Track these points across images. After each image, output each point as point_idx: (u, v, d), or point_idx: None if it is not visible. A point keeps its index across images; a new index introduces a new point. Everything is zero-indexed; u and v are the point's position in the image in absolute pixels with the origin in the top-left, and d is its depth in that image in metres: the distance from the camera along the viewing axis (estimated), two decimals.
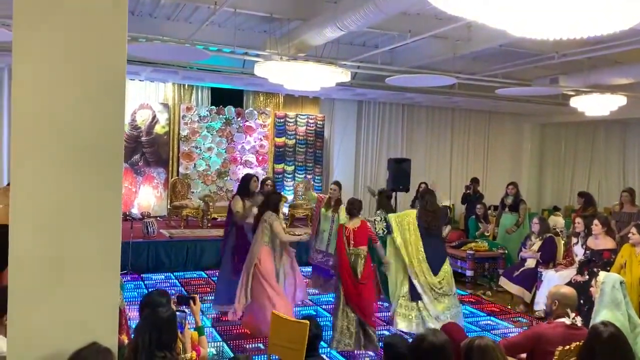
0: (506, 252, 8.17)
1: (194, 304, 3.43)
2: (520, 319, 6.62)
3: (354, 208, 5.47)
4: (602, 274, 4.14)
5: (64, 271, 2.20)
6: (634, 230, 5.62)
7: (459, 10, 2.62)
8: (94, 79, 2.21)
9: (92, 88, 2.21)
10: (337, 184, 7.26)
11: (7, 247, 2.14)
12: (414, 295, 5.73)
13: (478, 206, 9.66)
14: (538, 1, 2.44)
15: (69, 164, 2.19)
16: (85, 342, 2.14)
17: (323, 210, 6.97)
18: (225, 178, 11.34)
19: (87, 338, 2.18)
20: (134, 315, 4.89)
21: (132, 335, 3.03)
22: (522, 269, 7.09)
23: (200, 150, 11.17)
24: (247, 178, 6.39)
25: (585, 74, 8.60)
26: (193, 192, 10.79)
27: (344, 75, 6.94)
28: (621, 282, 3.99)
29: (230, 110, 11.36)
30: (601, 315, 3.81)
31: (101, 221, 2.24)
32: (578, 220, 6.77)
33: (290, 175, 11.98)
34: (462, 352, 2.68)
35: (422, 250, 5.79)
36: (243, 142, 11.47)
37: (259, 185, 6.80)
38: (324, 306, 6.73)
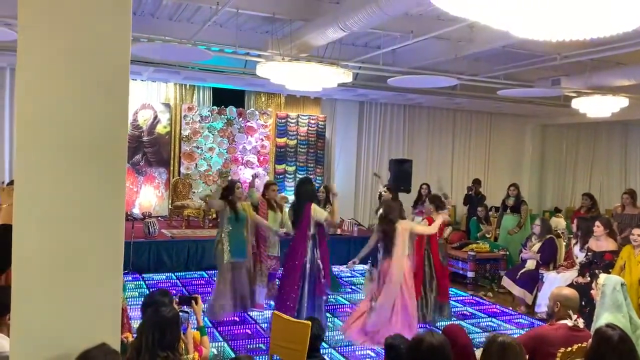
0: (507, 253, 8.17)
1: (196, 304, 3.44)
2: (521, 320, 6.61)
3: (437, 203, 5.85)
4: (603, 276, 4.14)
5: (67, 271, 2.20)
6: (638, 231, 5.62)
7: (461, 11, 2.62)
8: (97, 79, 2.22)
9: (96, 88, 2.22)
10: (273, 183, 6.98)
11: (10, 246, 2.14)
12: None
13: (479, 208, 9.66)
14: (541, 2, 2.44)
15: (73, 164, 2.20)
16: (88, 341, 2.14)
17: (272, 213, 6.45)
18: (227, 178, 11.31)
19: (90, 337, 2.18)
20: (135, 314, 4.89)
21: (135, 335, 3.04)
22: (522, 270, 7.09)
23: (202, 150, 11.18)
24: (231, 185, 6.17)
25: (587, 76, 8.59)
26: (194, 192, 10.79)
27: (346, 76, 6.94)
28: (622, 284, 3.99)
29: (231, 111, 11.37)
30: (603, 317, 3.81)
31: (104, 221, 2.24)
32: (574, 220, 6.81)
33: (291, 176, 11.98)
34: (485, 345, 2.71)
35: None
36: (244, 143, 11.48)
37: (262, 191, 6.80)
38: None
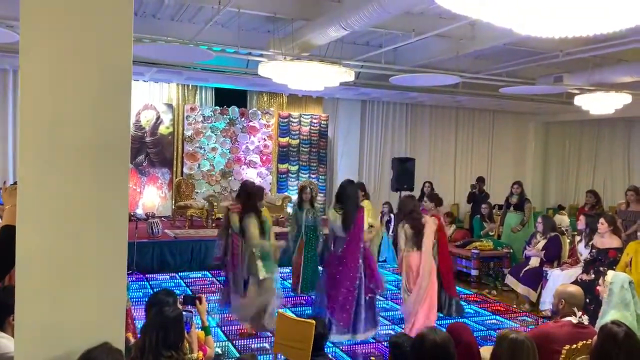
0: (511, 251, 8.15)
1: (200, 303, 3.44)
2: (525, 318, 6.60)
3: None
4: (611, 274, 4.12)
5: (71, 271, 2.20)
6: None
7: (463, 8, 2.61)
8: (100, 79, 2.21)
9: (98, 88, 2.22)
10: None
11: (14, 247, 2.14)
12: None
13: (483, 205, 9.65)
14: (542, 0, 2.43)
15: (76, 165, 2.20)
16: (92, 342, 2.14)
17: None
18: (230, 178, 11.36)
19: (94, 337, 2.18)
20: (139, 315, 4.90)
21: (139, 335, 3.04)
22: (526, 268, 7.08)
23: (205, 150, 11.19)
24: (259, 191, 5.81)
25: (589, 72, 8.57)
26: (197, 193, 10.81)
27: (348, 75, 6.93)
28: (630, 282, 3.98)
29: (234, 111, 11.37)
30: (609, 315, 3.79)
31: (108, 221, 2.24)
32: (580, 217, 6.78)
33: (294, 175, 11.98)
34: (496, 342, 2.72)
35: None
36: (247, 142, 11.49)
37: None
38: None
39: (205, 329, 3.47)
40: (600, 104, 8.74)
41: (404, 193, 9.56)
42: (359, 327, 5.34)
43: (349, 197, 5.43)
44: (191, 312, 3.29)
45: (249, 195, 5.58)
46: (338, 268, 5.35)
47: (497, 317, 6.58)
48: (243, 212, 5.50)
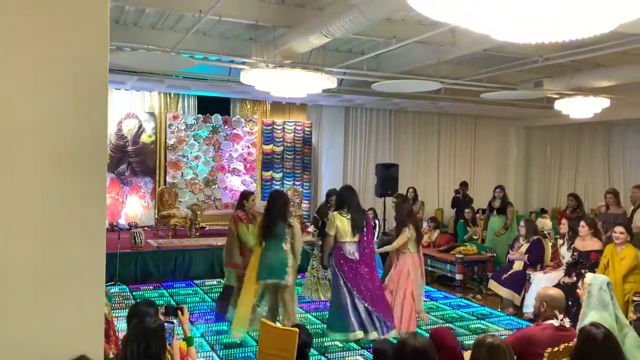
0: (495, 255, 8.21)
1: (182, 314, 3.40)
2: (510, 321, 6.64)
3: None
4: (589, 276, 4.17)
5: (46, 281, 2.17)
6: (620, 229, 5.70)
7: (441, 15, 2.64)
8: (75, 87, 2.20)
9: (74, 95, 2.20)
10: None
11: None
12: None
13: (466, 210, 9.71)
14: (518, 5, 2.47)
15: (52, 171, 2.17)
16: (70, 352, 2.11)
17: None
18: (213, 186, 11.30)
19: (72, 347, 2.15)
20: (122, 326, 4.83)
21: (121, 347, 3.00)
22: (510, 271, 7.12)
23: (188, 159, 11.13)
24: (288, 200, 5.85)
25: (568, 77, 8.70)
26: (181, 202, 10.73)
27: (330, 82, 6.96)
28: (608, 283, 4.02)
29: (217, 118, 11.33)
30: (589, 316, 3.83)
31: (85, 228, 2.22)
32: (563, 221, 6.85)
33: (278, 183, 11.96)
34: (473, 346, 2.71)
35: None
36: (230, 150, 11.44)
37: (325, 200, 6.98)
38: (313, 313, 6.72)
39: (188, 340, 3.43)
40: (579, 108, 8.87)
41: (389, 197, 9.62)
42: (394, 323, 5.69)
43: (352, 201, 5.68)
44: (173, 322, 3.26)
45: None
46: (364, 269, 5.62)
47: (482, 322, 6.60)
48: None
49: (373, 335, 5.50)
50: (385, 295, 5.77)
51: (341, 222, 5.60)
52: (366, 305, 5.53)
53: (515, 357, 2.82)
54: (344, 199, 5.72)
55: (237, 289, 5.79)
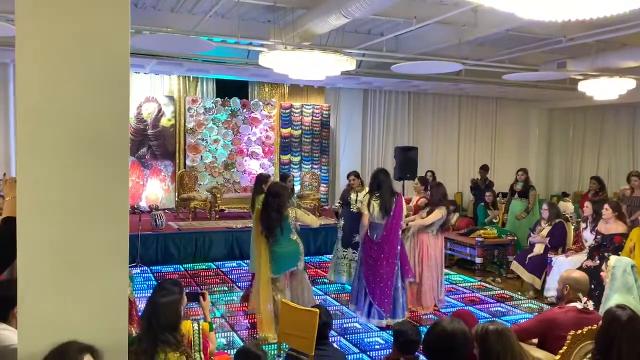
0: (515, 238, 8.14)
1: (204, 299, 3.44)
2: (530, 304, 6.59)
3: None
4: (613, 258, 4.11)
5: (73, 263, 2.20)
6: None
7: None
8: (97, 70, 2.20)
9: (96, 78, 2.20)
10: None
11: (15, 238, 2.14)
12: None
13: (487, 193, 9.63)
14: None
15: (75, 156, 2.19)
16: (95, 333, 2.15)
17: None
18: (232, 170, 11.35)
19: (98, 328, 2.19)
20: (143, 307, 4.91)
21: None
22: (530, 255, 7.06)
23: (207, 142, 11.18)
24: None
25: (593, 58, 8.49)
26: (200, 184, 10.81)
27: (349, 64, 6.88)
28: (632, 266, 3.96)
29: (235, 102, 11.34)
30: (613, 299, 3.78)
31: (109, 212, 2.24)
32: (587, 204, 6.74)
33: (296, 166, 11.97)
34: (478, 338, 2.64)
35: None
36: (249, 134, 11.46)
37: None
38: (332, 295, 6.75)
39: (209, 325, 3.46)
40: (604, 89, 8.66)
41: (408, 180, 9.56)
42: (398, 313, 5.59)
43: (384, 184, 5.67)
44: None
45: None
46: (379, 255, 5.59)
47: (502, 305, 6.57)
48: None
49: (374, 321, 5.61)
50: (389, 284, 5.56)
51: (370, 205, 5.68)
52: (366, 290, 5.63)
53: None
54: (380, 181, 5.71)
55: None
